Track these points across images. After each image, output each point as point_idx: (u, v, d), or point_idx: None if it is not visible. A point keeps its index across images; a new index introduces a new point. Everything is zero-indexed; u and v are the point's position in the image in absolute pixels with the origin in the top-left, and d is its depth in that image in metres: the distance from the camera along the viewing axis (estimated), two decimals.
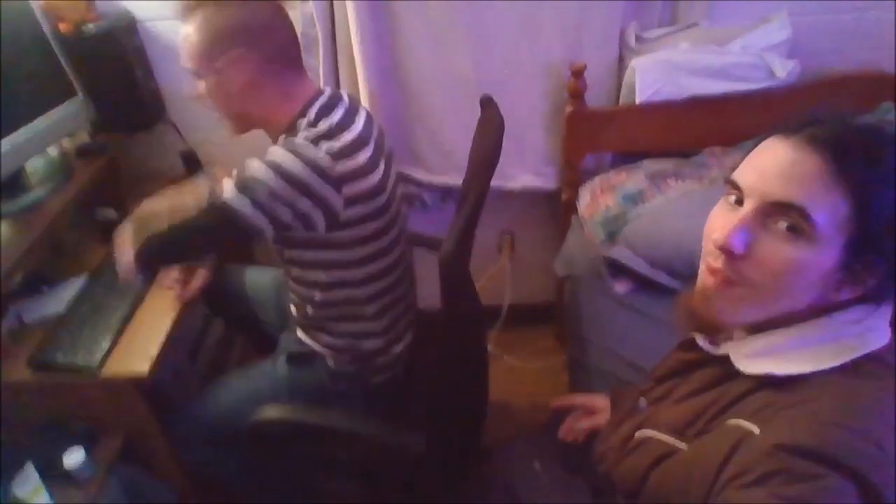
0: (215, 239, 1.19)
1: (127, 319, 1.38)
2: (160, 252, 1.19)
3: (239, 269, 1.65)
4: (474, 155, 1.22)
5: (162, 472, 1.46)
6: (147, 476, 1.45)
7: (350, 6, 1.59)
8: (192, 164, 1.86)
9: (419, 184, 1.92)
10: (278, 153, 1.07)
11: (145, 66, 1.73)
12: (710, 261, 0.72)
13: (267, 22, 1.12)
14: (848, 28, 1.72)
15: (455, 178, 1.85)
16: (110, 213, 1.72)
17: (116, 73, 1.65)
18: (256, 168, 1.07)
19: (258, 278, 1.62)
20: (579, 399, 1.21)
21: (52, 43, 1.54)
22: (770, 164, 0.67)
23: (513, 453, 1.19)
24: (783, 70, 1.63)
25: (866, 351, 0.67)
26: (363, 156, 1.13)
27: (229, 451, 1.37)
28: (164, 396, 1.44)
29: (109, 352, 1.30)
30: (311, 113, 1.15)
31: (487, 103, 1.23)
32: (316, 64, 1.72)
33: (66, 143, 1.74)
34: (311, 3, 1.63)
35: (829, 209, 0.63)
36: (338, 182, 1.09)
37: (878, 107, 1.60)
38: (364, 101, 1.72)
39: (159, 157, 1.93)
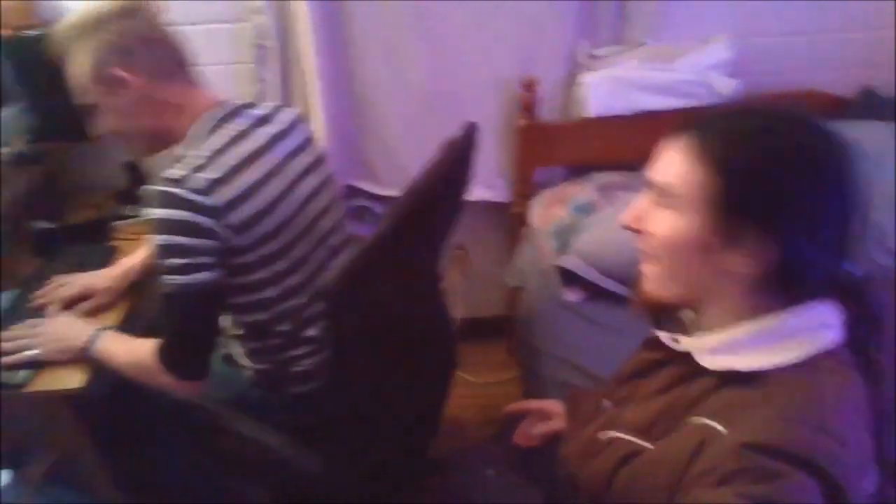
0: (204, 314, 1.15)
1: None
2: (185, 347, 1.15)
3: None
4: (443, 164, 1.19)
5: (94, 492, 1.38)
6: (78, 496, 1.38)
7: (304, 17, 1.58)
8: (136, 175, 1.81)
9: (369, 196, 1.90)
10: (157, 212, 1.08)
11: None
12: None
13: (141, 37, 1.14)
14: (785, 50, 1.81)
15: None
16: (46, 224, 1.65)
17: (58, 80, 1.59)
18: (156, 240, 1.08)
19: None
20: (534, 404, 1.20)
21: None
22: (658, 155, 0.78)
23: (465, 462, 1.18)
24: (726, 88, 1.69)
25: (822, 347, 0.70)
26: (245, 179, 1.13)
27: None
28: (102, 411, 1.37)
29: (41, 366, 1.23)
30: (200, 128, 1.17)
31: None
32: (271, 77, 1.70)
33: None
34: (264, 15, 1.61)
35: (689, 178, 0.72)
36: (213, 212, 1.08)
37: None
38: (317, 113, 1.71)
39: (102, 168, 1.87)
